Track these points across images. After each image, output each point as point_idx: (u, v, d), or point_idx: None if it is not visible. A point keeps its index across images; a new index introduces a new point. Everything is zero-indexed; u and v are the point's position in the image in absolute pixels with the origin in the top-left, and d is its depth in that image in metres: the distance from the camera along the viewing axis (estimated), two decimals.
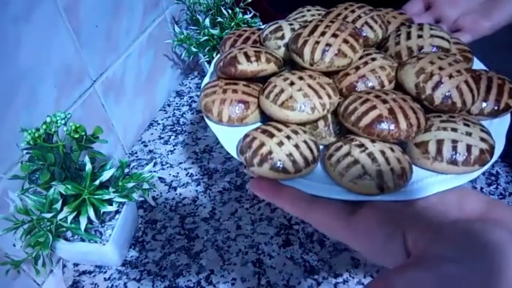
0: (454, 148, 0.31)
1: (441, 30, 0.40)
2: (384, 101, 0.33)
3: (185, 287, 0.49)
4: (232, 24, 0.68)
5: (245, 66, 0.37)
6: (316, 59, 0.35)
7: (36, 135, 0.41)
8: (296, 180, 0.32)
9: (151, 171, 0.51)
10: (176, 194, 0.60)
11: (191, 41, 0.70)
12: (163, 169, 0.64)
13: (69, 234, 0.48)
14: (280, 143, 0.32)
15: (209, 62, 0.72)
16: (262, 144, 0.32)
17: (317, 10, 0.46)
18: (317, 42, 0.36)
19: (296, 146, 0.32)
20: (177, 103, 0.77)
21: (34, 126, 0.41)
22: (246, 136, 0.34)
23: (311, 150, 0.33)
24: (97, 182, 0.45)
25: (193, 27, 0.73)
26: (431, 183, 0.31)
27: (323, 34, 0.36)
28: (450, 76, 0.33)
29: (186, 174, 0.63)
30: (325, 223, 0.30)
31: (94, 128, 0.45)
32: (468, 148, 0.31)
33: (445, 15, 0.49)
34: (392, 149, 0.32)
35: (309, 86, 0.34)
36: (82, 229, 0.44)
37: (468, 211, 0.27)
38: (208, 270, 0.51)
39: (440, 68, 0.34)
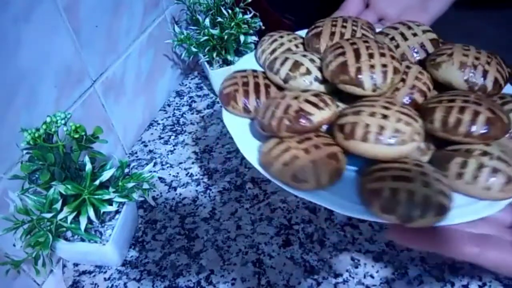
0: None
1: (422, 24, 0.43)
2: (477, 103, 0.32)
3: (185, 287, 0.49)
4: (232, 24, 0.68)
5: (319, 116, 0.33)
6: (379, 83, 0.34)
7: (36, 135, 0.41)
8: (448, 217, 0.29)
9: (151, 171, 0.51)
10: (176, 194, 0.60)
11: (191, 41, 0.70)
12: (163, 169, 0.64)
13: (69, 234, 0.48)
14: (426, 184, 0.29)
15: (209, 62, 0.72)
16: (412, 193, 0.29)
17: (288, 34, 0.45)
18: (372, 66, 0.34)
19: (437, 180, 0.30)
20: (177, 103, 0.77)
21: (34, 126, 0.41)
22: (377, 191, 0.30)
23: (443, 177, 0.31)
24: (97, 182, 0.45)
25: (193, 27, 0.73)
26: None
27: (371, 56, 0.35)
28: (488, 63, 0.36)
29: (186, 174, 0.63)
30: (504, 262, 0.29)
31: (94, 128, 0.45)
32: None
33: (385, 13, 0.49)
34: (503, 146, 0.32)
35: (401, 113, 0.32)
36: (82, 229, 0.44)
37: None
38: (208, 270, 0.51)
39: (477, 59, 0.36)
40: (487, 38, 0.56)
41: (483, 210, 0.30)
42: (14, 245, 0.44)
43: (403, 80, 0.36)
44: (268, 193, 0.59)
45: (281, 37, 0.44)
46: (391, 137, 0.30)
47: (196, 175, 0.63)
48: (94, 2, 0.53)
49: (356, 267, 0.50)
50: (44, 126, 0.41)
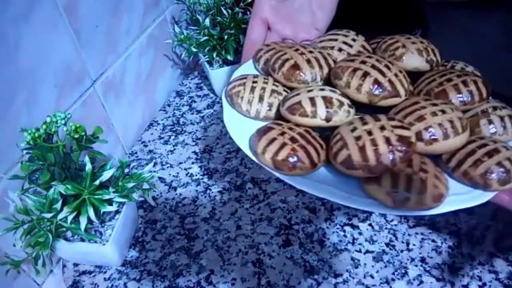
0: None
1: (346, 30, 0.48)
2: (465, 75, 0.40)
3: (185, 287, 0.49)
4: (232, 24, 0.68)
5: (414, 135, 0.35)
6: (407, 86, 0.39)
7: (36, 135, 0.41)
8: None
9: (151, 171, 0.51)
10: (176, 194, 0.60)
11: (191, 41, 0.70)
12: (163, 169, 0.64)
13: (69, 234, 0.48)
14: (507, 148, 0.35)
15: (209, 62, 0.72)
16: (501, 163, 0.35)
17: (255, 77, 0.44)
18: (396, 75, 0.38)
19: (503, 141, 0.36)
20: (177, 103, 0.77)
21: (34, 126, 0.41)
22: (489, 170, 0.34)
23: None
24: (97, 182, 0.45)
25: (193, 27, 0.73)
26: None
27: (388, 67, 0.39)
28: (428, 43, 0.44)
29: (186, 174, 0.63)
30: None
31: (94, 128, 0.45)
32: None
33: (284, 34, 0.53)
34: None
35: (444, 103, 0.37)
36: (82, 229, 0.44)
37: None
38: (208, 270, 0.51)
39: (421, 42, 0.43)
40: (486, 38, 0.56)
41: None
42: (14, 245, 0.44)
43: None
44: (268, 193, 0.59)
45: (255, 82, 0.43)
46: (461, 125, 0.35)
47: (196, 175, 0.63)
48: (94, 2, 0.53)
49: (356, 267, 0.50)
50: (44, 126, 0.41)
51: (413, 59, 0.42)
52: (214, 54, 0.70)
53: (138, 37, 0.65)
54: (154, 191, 0.60)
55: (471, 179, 0.35)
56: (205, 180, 0.62)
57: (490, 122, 0.38)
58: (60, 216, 0.43)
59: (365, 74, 0.37)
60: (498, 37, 0.56)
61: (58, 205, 0.43)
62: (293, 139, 0.37)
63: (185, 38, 0.70)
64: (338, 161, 0.35)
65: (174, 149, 0.68)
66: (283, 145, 0.36)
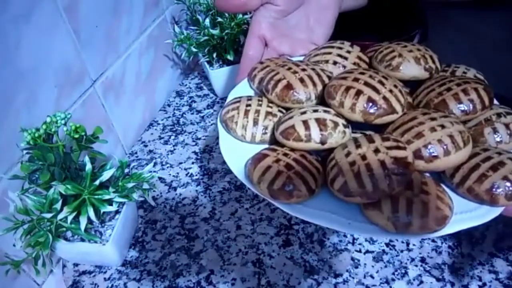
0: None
1: (340, 41, 0.47)
2: (466, 83, 0.39)
3: (185, 287, 0.49)
4: (232, 24, 0.68)
5: (410, 154, 0.33)
6: (403, 102, 0.37)
7: (36, 135, 0.41)
8: None
9: (151, 171, 0.51)
10: (176, 194, 0.60)
11: (191, 41, 0.70)
12: (163, 169, 0.64)
13: (69, 234, 0.48)
14: (511, 159, 0.34)
15: (209, 62, 0.72)
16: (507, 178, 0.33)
17: (249, 99, 0.43)
18: (391, 91, 0.37)
19: (508, 152, 0.35)
20: (177, 103, 0.77)
21: (34, 126, 0.41)
22: (495, 185, 0.33)
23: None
24: (97, 182, 0.45)
25: (193, 27, 0.73)
26: None
27: (382, 83, 0.37)
28: (426, 50, 0.42)
29: (186, 174, 0.63)
30: None
31: (94, 128, 0.45)
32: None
33: (281, 51, 0.53)
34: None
35: (444, 116, 0.35)
36: (82, 229, 0.44)
37: None
38: (208, 270, 0.51)
39: (418, 50, 0.42)
40: (486, 38, 0.56)
41: None
42: (14, 245, 0.44)
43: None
44: None
45: (249, 105, 0.42)
46: (461, 139, 0.33)
47: (196, 175, 0.63)
48: (94, 2, 0.53)
49: (356, 267, 0.50)
50: (44, 126, 0.41)
51: (411, 68, 0.40)
52: (214, 54, 0.70)
53: (138, 37, 0.65)
54: (154, 191, 0.60)
55: (477, 195, 0.33)
56: (205, 180, 0.62)
57: (495, 130, 0.36)
58: (60, 216, 0.43)
59: (358, 93, 0.36)
60: (498, 37, 0.56)
61: (58, 205, 0.43)
62: (288, 166, 0.35)
63: (185, 38, 0.70)
64: (335, 188, 0.34)
65: (174, 149, 0.68)
66: (278, 173, 0.35)
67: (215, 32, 0.68)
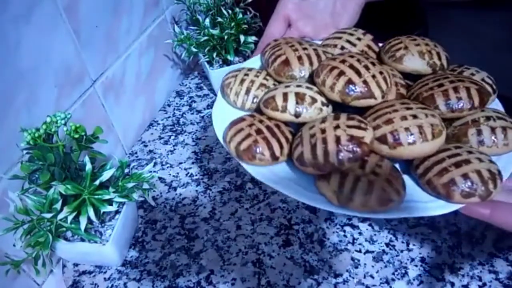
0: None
1: (353, 28, 0.49)
2: (461, 81, 0.38)
3: (185, 287, 0.49)
4: (232, 24, 0.68)
5: (369, 136, 0.34)
6: (385, 89, 0.37)
7: (36, 135, 0.41)
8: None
9: (151, 171, 0.51)
10: (176, 194, 0.60)
11: (191, 41, 0.70)
12: (163, 169, 0.64)
13: (69, 234, 0.48)
14: (480, 160, 0.33)
15: (209, 62, 0.72)
16: (479, 172, 0.33)
17: (249, 69, 0.46)
18: (374, 76, 0.37)
19: (480, 153, 0.34)
20: (177, 103, 0.77)
21: (34, 126, 0.41)
22: (453, 181, 0.33)
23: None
24: (97, 182, 0.45)
25: (193, 27, 0.73)
26: None
27: (367, 68, 0.38)
28: (436, 46, 0.43)
29: (186, 174, 0.63)
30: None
31: (94, 128, 0.45)
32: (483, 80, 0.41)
33: (304, 31, 0.55)
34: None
35: (421, 108, 0.36)
36: (82, 229, 0.44)
37: None
38: (208, 270, 0.51)
39: (426, 45, 0.43)
40: (486, 38, 0.57)
41: None
42: (14, 245, 0.44)
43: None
44: (268, 193, 0.59)
45: (246, 74, 0.45)
46: (431, 131, 0.34)
47: (196, 175, 0.63)
48: (94, 2, 0.53)
49: (356, 267, 0.50)
50: (44, 126, 0.41)
51: (413, 62, 0.41)
52: (214, 54, 0.70)
53: (138, 37, 0.65)
54: (154, 191, 0.60)
55: (434, 188, 0.34)
56: (205, 180, 0.62)
57: (479, 132, 0.36)
58: (60, 216, 0.43)
59: (341, 74, 0.37)
60: (498, 37, 0.56)
61: (58, 205, 0.43)
62: (258, 131, 0.38)
63: (185, 38, 0.70)
64: (293, 157, 0.36)
65: (174, 149, 0.68)
66: (248, 136, 0.38)
67: (215, 32, 0.68)
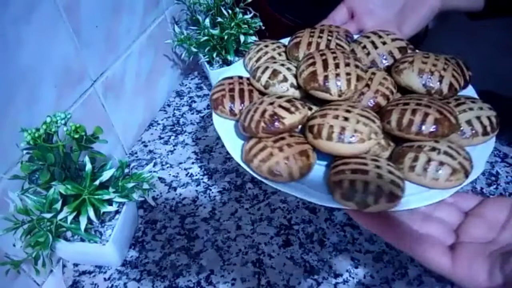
0: (481, 122, 0.39)
1: (392, 33, 0.47)
2: (428, 106, 0.37)
3: (185, 287, 0.49)
4: (232, 24, 0.68)
5: (290, 119, 0.38)
6: (344, 89, 0.39)
7: (36, 135, 0.41)
8: (400, 204, 0.34)
9: (151, 171, 0.51)
10: (176, 194, 0.60)
11: (191, 41, 0.70)
12: (163, 169, 0.64)
13: (69, 234, 0.48)
14: (380, 176, 0.34)
15: (209, 62, 0.72)
16: (366, 183, 0.33)
17: (273, 43, 0.50)
18: (338, 75, 0.39)
19: (391, 172, 0.35)
20: (177, 103, 0.77)
21: (34, 126, 0.41)
22: (339, 182, 0.34)
23: (396, 169, 0.36)
24: (97, 182, 0.45)
25: (193, 27, 0.73)
26: (479, 156, 0.37)
27: (337, 66, 0.40)
28: (444, 70, 0.40)
29: (186, 174, 0.63)
30: (433, 260, 0.33)
31: (94, 128, 0.45)
32: (489, 118, 0.39)
33: (365, 25, 0.55)
34: (450, 142, 0.37)
35: (360, 115, 0.37)
36: (82, 229, 0.44)
37: None
38: (208, 270, 0.51)
39: (434, 65, 0.40)
40: (488, 40, 0.57)
41: (432, 197, 0.35)
42: (14, 245, 0.44)
43: (368, 85, 0.41)
44: (268, 193, 0.59)
45: (266, 46, 0.49)
46: (351, 136, 0.35)
47: (196, 175, 0.63)
48: (94, 2, 0.53)
49: (356, 267, 0.50)
50: (44, 126, 0.41)
51: (410, 77, 0.40)
52: (214, 54, 0.70)
53: (138, 37, 0.65)
54: (154, 191, 0.60)
55: (327, 183, 0.36)
56: (205, 180, 0.62)
57: (416, 158, 0.35)
58: (60, 216, 0.43)
59: (312, 64, 0.40)
60: (498, 38, 0.56)
61: (58, 205, 0.43)
62: (231, 90, 0.44)
63: (185, 38, 0.70)
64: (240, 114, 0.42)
65: (174, 149, 0.68)
66: (221, 90, 0.45)
67: (215, 32, 0.68)
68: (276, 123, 0.37)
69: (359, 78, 0.39)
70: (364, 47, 0.46)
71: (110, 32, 0.58)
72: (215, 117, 0.45)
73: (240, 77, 0.47)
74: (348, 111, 0.37)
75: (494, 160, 0.60)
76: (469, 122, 0.38)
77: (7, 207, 0.43)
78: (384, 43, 0.46)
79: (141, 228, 0.56)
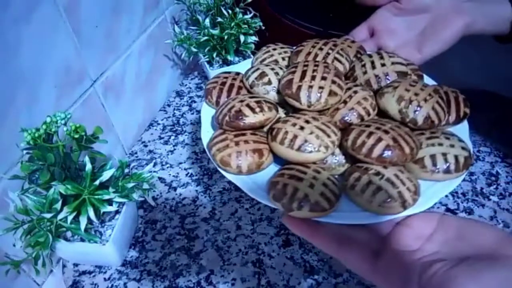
0: (446, 160, 0.37)
1: (397, 56, 0.46)
2: (386, 132, 0.38)
3: (185, 287, 0.49)
4: (232, 24, 0.68)
5: (252, 118, 0.40)
6: (313, 101, 0.40)
7: (36, 135, 0.41)
8: (330, 215, 0.35)
9: (151, 171, 0.51)
10: (176, 194, 0.60)
11: (191, 41, 0.70)
12: (163, 169, 0.64)
13: (69, 234, 0.48)
14: (311, 185, 0.36)
15: (209, 62, 0.72)
16: (296, 189, 0.35)
17: (282, 47, 0.51)
18: (311, 87, 0.40)
19: (325, 185, 0.36)
20: (177, 103, 0.77)
21: (34, 126, 0.41)
22: (274, 183, 0.37)
23: (335, 184, 0.37)
24: (97, 182, 0.45)
25: (193, 27, 0.73)
26: (436, 191, 0.37)
27: (313, 78, 0.41)
28: (425, 100, 0.40)
29: (186, 174, 0.63)
30: (354, 264, 0.35)
31: (94, 128, 0.45)
32: (456, 157, 0.38)
33: (385, 44, 0.55)
34: (401, 171, 0.37)
35: (318, 128, 0.38)
36: (82, 229, 0.44)
37: (483, 245, 0.30)
38: (208, 270, 0.51)
39: (416, 94, 0.40)
40: (486, 38, 0.56)
41: (362, 218, 0.36)
42: (14, 245, 0.44)
43: (345, 102, 0.42)
44: None
45: (275, 49, 0.50)
46: (301, 145, 0.37)
47: (196, 175, 0.63)
48: (94, 2, 0.53)
49: None
50: (44, 126, 0.41)
51: (388, 102, 0.41)
52: (214, 54, 0.70)
53: (138, 37, 0.65)
54: (154, 191, 0.60)
55: (268, 182, 0.38)
56: (205, 180, 0.62)
57: (358, 179, 0.37)
58: (60, 216, 0.43)
59: (293, 72, 0.42)
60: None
61: (58, 205, 0.43)
62: (222, 83, 0.47)
63: (185, 38, 0.70)
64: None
65: (174, 149, 0.68)
66: (215, 82, 0.47)
67: (215, 32, 0.68)
68: (237, 120, 0.40)
69: (331, 93, 0.40)
70: (364, 65, 0.46)
71: (110, 32, 0.58)
72: (203, 106, 0.47)
73: (237, 74, 0.48)
74: (307, 121, 0.39)
75: (494, 160, 0.60)
76: (433, 157, 0.38)
77: (7, 207, 0.43)
78: (383, 64, 0.45)
79: (141, 228, 0.56)
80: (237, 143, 0.40)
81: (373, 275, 0.34)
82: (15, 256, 0.45)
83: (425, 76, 0.48)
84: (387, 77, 0.44)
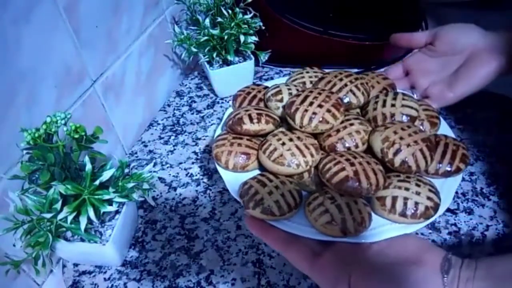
0: (405, 204, 0.40)
1: (411, 100, 0.48)
2: (352, 164, 0.41)
3: (185, 287, 0.49)
4: (232, 24, 0.68)
5: (248, 126, 0.47)
6: (304, 123, 0.45)
7: (36, 135, 0.41)
8: (280, 221, 0.40)
9: (151, 171, 0.51)
10: (176, 194, 0.60)
11: (191, 41, 0.70)
12: (163, 169, 0.64)
13: (69, 234, 0.48)
14: (270, 192, 0.41)
15: (209, 62, 0.72)
16: (256, 192, 0.41)
17: (315, 72, 0.56)
18: (306, 111, 0.45)
19: (282, 195, 0.41)
20: (177, 103, 0.77)
21: (34, 126, 0.41)
22: (245, 183, 0.43)
23: (294, 198, 0.41)
24: (97, 182, 0.45)
25: (193, 27, 0.73)
26: (385, 230, 0.39)
27: (311, 104, 0.45)
28: (408, 145, 0.42)
29: (186, 174, 0.63)
30: (296, 262, 0.40)
31: (94, 128, 0.45)
32: (416, 204, 0.39)
33: (418, 83, 0.57)
34: (356, 202, 0.40)
35: (297, 146, 0.43)
36: (82, 229, 0.44)
37: (408, 253, 0.36)
38: (208, 270, 0.51)
39: (401, 138, 0.42)
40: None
41: (309, 233, 0.40)
42: (14, 245, 0.44)
43: (338, 130, 0.46)
44: None
45: (308, 72, 0.56)
46: (277, 157, 0.43)
47: (196, 175, 0.63)
48: (94, 2, 0.53)
49: None
50: (44, 126, 0.41)
51: (375, 140, 0.44)
52: (214, 54, 0.70)
53: (138, 37, 0.65)
54: (154, 191, 0.60)
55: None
56: (205, 180, 0.62)
57: (315, 198, 0.41)
58: (60, 216, 0.43)
59: (298, 95, 0.47)
60: None
61: (58, 205, 0.43)
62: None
63: (185, 38, 0.70)
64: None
65: (174, 149, 0.68)
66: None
67: (215, 32, 0.68)
68: (237, 125, 0.47)
69: (322, 120, 0.44)
70: (376, 102, 0.48)
71: (110, 32, 0.58)
72: (229, 108, 0.55)
73: (265, 87, 0.54)
74: (291, 139, 0.44)
75: (494, 160, 0.60)
76: (394, 198, 0.40)
77: (7, 207, 0.43)
78: (393, 105, 0.47)
79: (141, 228, 0.56)
80: (232, 144, 0.47)
81: (311, 273, 0.39)
82: (15, 256, 0.45)
83: (442, 122, 0.49)
84: (393, 117, 0.46)
